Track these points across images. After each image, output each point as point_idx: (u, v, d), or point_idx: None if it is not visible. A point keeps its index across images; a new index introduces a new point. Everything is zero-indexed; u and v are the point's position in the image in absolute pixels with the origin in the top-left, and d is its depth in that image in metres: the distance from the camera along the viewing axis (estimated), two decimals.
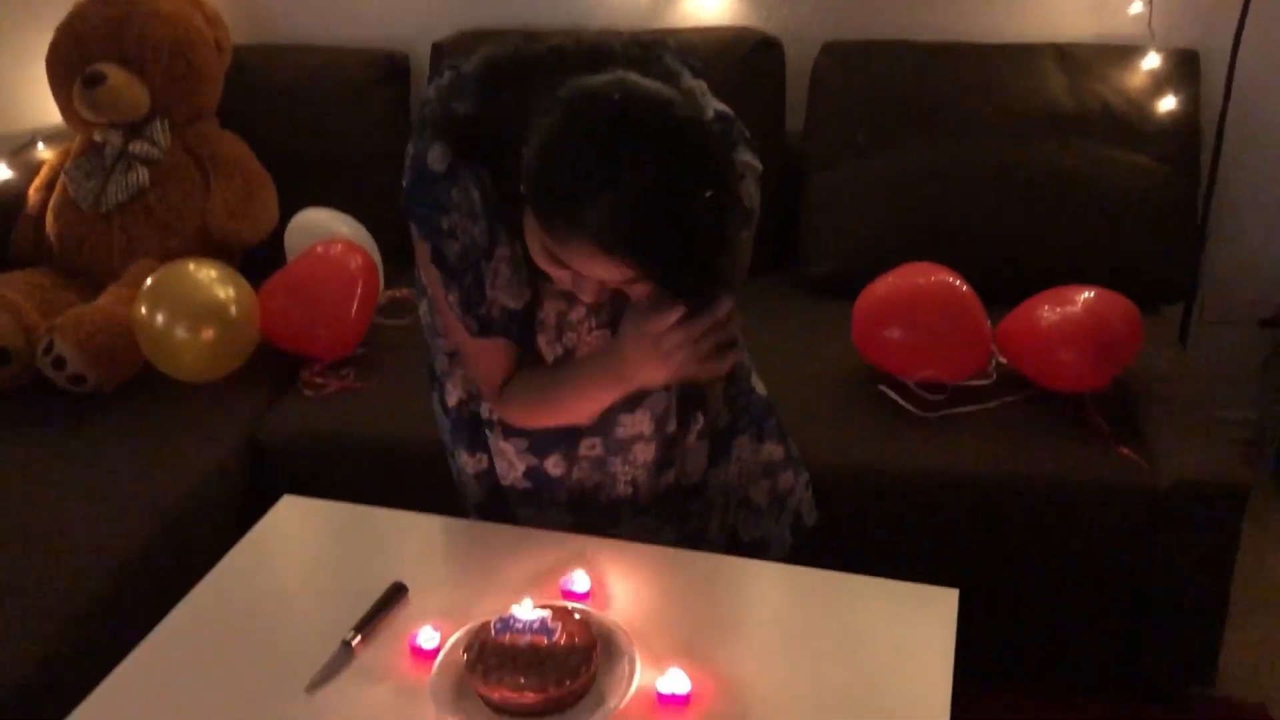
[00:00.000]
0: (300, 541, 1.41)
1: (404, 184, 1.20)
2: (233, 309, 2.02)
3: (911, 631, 1.21)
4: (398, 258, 2.26)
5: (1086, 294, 1.92)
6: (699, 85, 1.22)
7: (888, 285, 1.98)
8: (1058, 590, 1.85)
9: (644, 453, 1.36)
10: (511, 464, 1.39)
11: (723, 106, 1.25)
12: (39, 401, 2.01)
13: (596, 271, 1.09)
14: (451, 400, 1.40)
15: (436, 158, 1.17)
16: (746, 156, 1.26)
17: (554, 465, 1.37)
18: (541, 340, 1.29)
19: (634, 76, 1.06)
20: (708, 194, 1.04)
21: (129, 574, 1.62)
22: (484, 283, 1.22)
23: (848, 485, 1.80)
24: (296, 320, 2.12)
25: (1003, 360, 1.98)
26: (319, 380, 2.09)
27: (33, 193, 2.45)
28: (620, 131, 1.02)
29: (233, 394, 2.04)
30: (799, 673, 1.16)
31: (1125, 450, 1.81)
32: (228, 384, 2.06)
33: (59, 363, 1.97)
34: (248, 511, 1.85)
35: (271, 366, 2.12)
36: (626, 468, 1.37)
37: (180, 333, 1.97)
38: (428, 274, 1.26)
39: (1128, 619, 1.85)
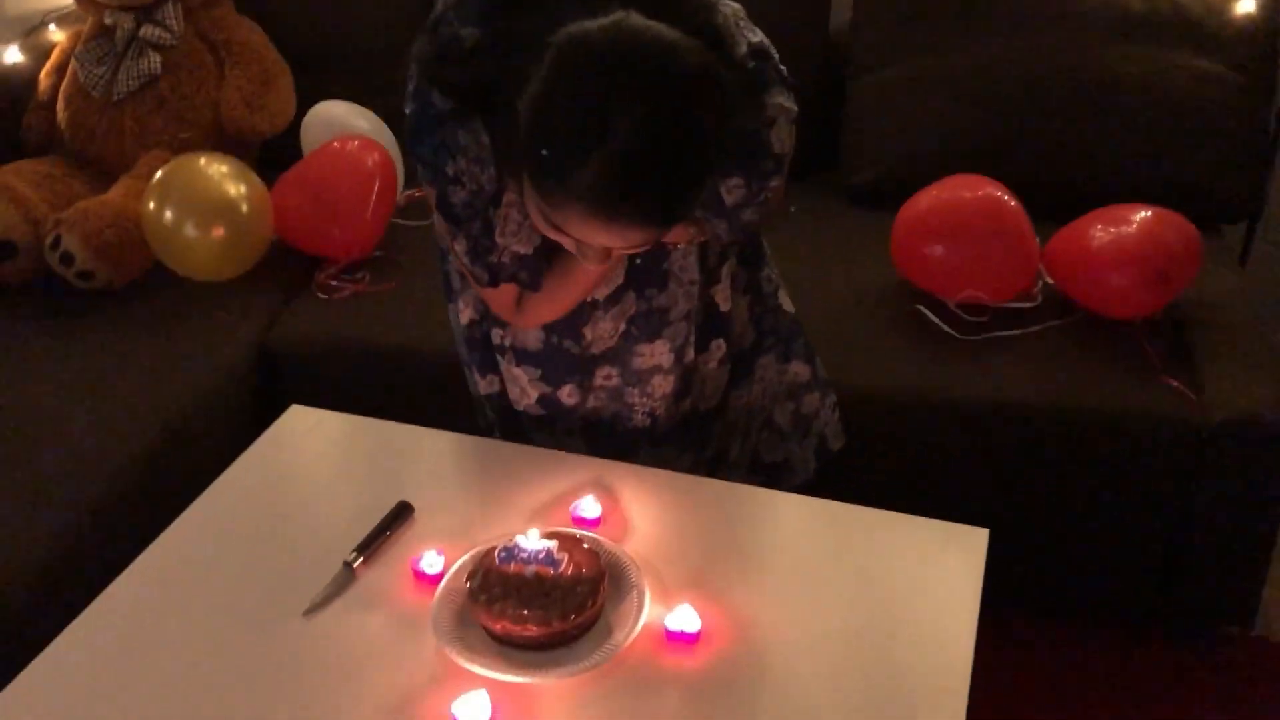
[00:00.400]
0: (306, 454, 1.38)
1: (406, 113, 1.11)
2: (244, 206, 1.96)
3: (937, 571, 1.16)
4: None
5: (1143, 213, 1.82)
6: (735, 11, 1.11)
7: (931, 198, 1.89)
8: (1094, 524, 1.80)
9: (663, 385, 1.31)
10: (524, 390, 1.34)
11: (759, 38, 1.14)
12: (47, 297, 1.99)
13: (596, 239, 1.00)
14: (464, 319, 1.35)
15: (440, 95, 1.08)
16: (780, 98, 1.15)
17: (568, 395, 1.32)
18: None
19: (634, 19, 0.94)
20: (706, 153, 0.95)
21: (131, 481, 1.61)
22: (493, 230, 1.15)
23: (878, 410, 1.74)
24: (311, 219, 2.06)
25: (1050, 281, 1.90)
26: (333, 283, 2.05)
27: (43, 77, 2.38)
28: (611, 85, 0.91)
29: (244, 294, 2.00)
30: (816, 611, 1.12)
31: (1174, 381, 1.73)
32: (240, 284, 2.02)
33: (66, 258, 1.94)
34: (257, 416, 1.83)
35: (285, 267, 2.08)
36: (644, 400, 1.32)
37: (189, 230, 1.92)
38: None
39: (1166, 556, 1.80)
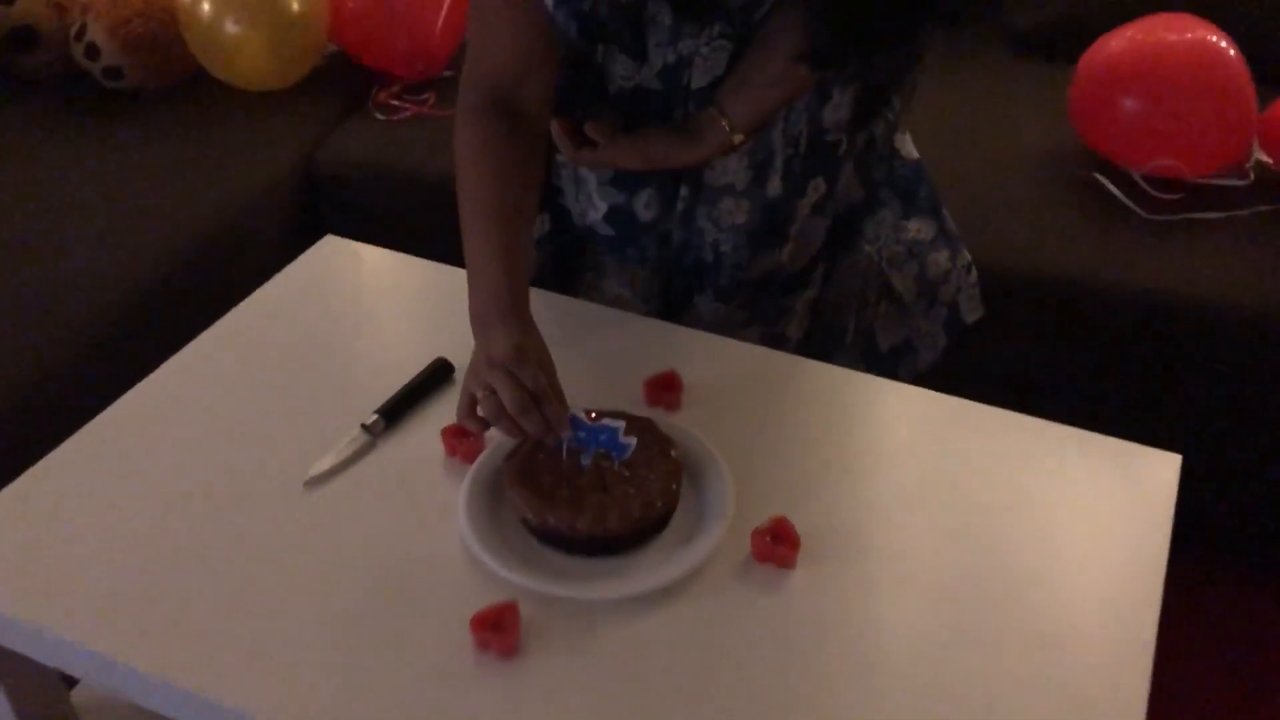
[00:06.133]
0: (336, 292, 1.22)
1: None
2: (294, 3, 1.77)
3: (1113, 501, 0.95)
4: None
5: None
6: None
7: (1125, 41, 1.64)
8: None
9: (732, 213, 1.11)
10: (591, 199, 1.15)
11: None
12: (74, 96, 1.85)
13: None
14: None
15: None
16: None
17: (645, 207, 1.13)
18: (651, 42, 1.03)
19: None
20: None
21: (146, 298, 1.49)
22: None
23: (1036, 298, 1.50)
24: (372, 26, 1.89)
25: (1265, 159, 1.64)
26: (394, 102, 1.89)
27: None
28: None
29: (294, 107, 1.85)
30: (944, 534, 0.91)
31: None
32: (288, 96, 1.86)
33: (92, 51, 1.78)
34: (292, 243, 1.68)
35: (342, 80, 1.94)
36: (711, 226, 1.12)
37: (230, 27, 1.75)
38: None
39: None
